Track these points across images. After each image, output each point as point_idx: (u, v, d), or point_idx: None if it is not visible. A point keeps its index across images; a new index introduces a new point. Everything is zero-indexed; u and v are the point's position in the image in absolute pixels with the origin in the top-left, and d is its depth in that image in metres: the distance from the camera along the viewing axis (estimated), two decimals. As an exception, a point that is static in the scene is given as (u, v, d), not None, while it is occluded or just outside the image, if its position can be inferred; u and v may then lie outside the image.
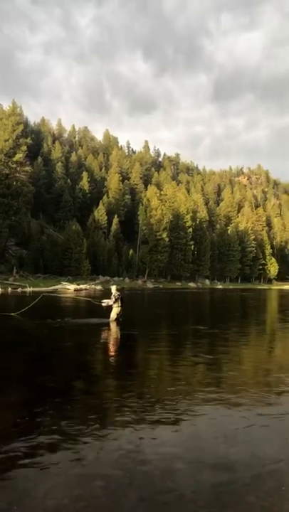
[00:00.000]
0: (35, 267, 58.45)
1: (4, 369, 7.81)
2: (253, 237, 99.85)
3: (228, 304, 34.49)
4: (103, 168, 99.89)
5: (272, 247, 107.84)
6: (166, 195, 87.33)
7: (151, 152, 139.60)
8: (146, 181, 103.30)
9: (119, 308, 14.45)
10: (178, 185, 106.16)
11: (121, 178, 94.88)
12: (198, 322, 19.12)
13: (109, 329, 13.26)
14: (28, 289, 40.16)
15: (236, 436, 4.81)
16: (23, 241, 61.73)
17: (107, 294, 17.27)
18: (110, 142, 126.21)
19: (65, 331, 13.02)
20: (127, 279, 69.35)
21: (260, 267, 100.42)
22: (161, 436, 4.74)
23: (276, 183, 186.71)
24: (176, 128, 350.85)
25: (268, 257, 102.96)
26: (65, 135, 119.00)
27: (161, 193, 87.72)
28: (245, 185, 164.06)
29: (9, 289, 40.51)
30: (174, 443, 4.58)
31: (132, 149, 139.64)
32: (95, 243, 71.22)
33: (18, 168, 54.92)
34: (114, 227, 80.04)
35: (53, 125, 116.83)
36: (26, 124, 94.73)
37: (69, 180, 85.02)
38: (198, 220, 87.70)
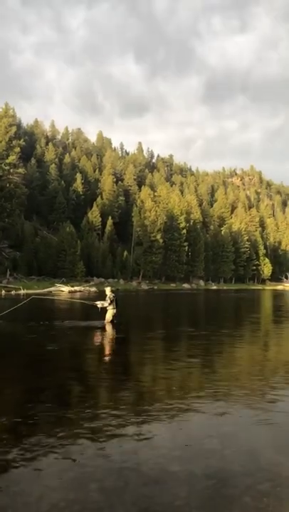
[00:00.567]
0: (28, 269, 58.18)
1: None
2: (247, 237, 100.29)
3: (223, 304, 34.60)
4: (97, 170, 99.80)
5: (265, 247, 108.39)
6: (160, 196, 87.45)
7: (145, 154, 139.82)
8: (140, 183, 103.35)
9: (114, 310, 14.43)
10: (171, 186, 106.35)
11: (115, 179, 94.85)
12: (193, 324, 19.16)
13: (104, 331, 13.24)
14: (22, 292, 39.95)
15: (231, 437, 4.83)
16: (17, 243, 61.41)
17: (101, 295, 17.25)
18: (104, 144, 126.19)
19: (58, 333, 12.97)
20: (121, 281, 69.29)
21: (254, 267, 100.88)
22: (156, 438, 4.74)
23: (269, 184, 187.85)
24: (169, 130, 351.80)
25: (261, 258, 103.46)
26: (59, 137, 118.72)
27: (155, 194, 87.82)
28: (239, 186, 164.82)
29: (3, 292, 40.28)
30: (169, 445, 4.58)
31: (126, 151, 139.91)
32: (89, 245, 71.09)
33: (11, 170, 54.67)
34: (108, 228, 79.97)
35: (46, 127, 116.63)
36: (19, 125, 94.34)
37: (63, 181, 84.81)
38: (192, 221, 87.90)
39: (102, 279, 65.64)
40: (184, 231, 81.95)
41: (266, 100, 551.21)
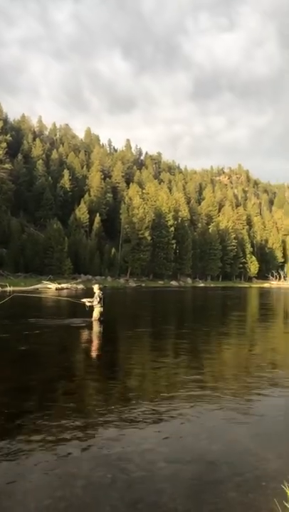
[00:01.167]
0: (15, 266, 57.56)
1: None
2: (234, 235, 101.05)
3: (210, 302, 34.85)
4: (84, 166, 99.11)
5: (252, 245, 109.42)
6: (148, 193, 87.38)
7: (133, 151, 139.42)
8: (128, 180, 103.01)
9: (102, 308, 14.41)
10: (160, 184, 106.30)
11: (103, 176, 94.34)
12: (180, 321, 19.27)
13: (91, 329, 13.21)
14: (9, 288, 39.51)
15: (218, 434, 4.89)
16: (3, 240, 60.65)
17: (89, 293, 17.19)
18: (92, 140, 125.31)
19: (35, 332, 12.88)
20: (109, 278, 69.13)
21: (241, 265, 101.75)
22: (143, 435, 4.76)
23: (256, 183, 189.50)
24: (157, 127, 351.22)
25: (248, 256, 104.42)
26: (46, 132, 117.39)
27: (143, 191, 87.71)
28: (226, 185, 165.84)
29: (-11, 289, 39.75)
30: (156, 441, 4.61)
31: (114, 147, 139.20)
32: (77, 242, 70.67)
33: (-3, 166, 53.88)
34: (96, 225, 79.60)
35: (34, 122, 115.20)
36: (6, 120, 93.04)
37: (50, 178, 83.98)
38: (180, 218, 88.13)
39: (90, 277, 65.37)
40: (172, 229, 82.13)
41: (253, 98, 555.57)
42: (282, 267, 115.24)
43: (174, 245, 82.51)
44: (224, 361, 9.49)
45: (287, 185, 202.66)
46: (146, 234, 75.21)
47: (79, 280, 58.60)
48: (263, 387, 6.88)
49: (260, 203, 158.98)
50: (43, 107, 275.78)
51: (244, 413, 5.59)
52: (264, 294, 52.04)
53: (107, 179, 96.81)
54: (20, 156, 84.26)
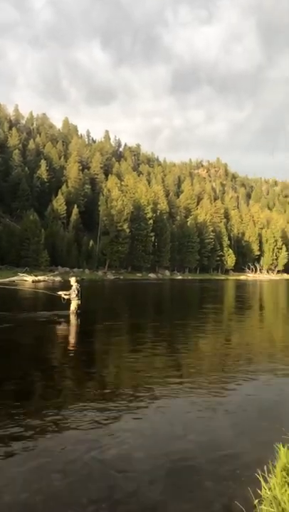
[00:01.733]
0: (-10, 258, 56.31)
1: None
2: (212, 228, 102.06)
3: (187, 294, 35.21)
4: (62, 157, 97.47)
5: (229, 238, 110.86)
6: (127, 185, 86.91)
7: (112, 142, 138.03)
8: (107, 171, 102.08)
9: (79, 301, 14.30)
10: (139, 176, 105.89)
11: (81, 167, 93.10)
12: (157, 314, 19.40)
13: (68, 322, 13.11)
14: (-16, 281, 38.64)
15: (193, 424, 4.96)
16: (-22, 231, 59.18)
17: (66, 285, 17.02)
18: (70, 131, 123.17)
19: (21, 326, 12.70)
20: (87, 271, 68.66)
21: (218, 258, 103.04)
22: (121, 427, 4.78)
23: (234, 177, 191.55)
24: (136, 119, 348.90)
25: (225, 249, 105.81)
26: (23, 121, 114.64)
27: (122, 183, 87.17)
28: (205, 178, 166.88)
29: None
30: (133, 433, 4.64)
31: (92, 138, 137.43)
32: (54, 233, 69.67)
33: (-29, 155, 52.26)
34: (73, 217, 78.67)
35: (10, 111, 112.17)
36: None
37: (26, 168, 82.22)
38: (158, 211, 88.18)
39: (67, 269, 64.72)
40: (151, 221, 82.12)
41: (232, 93, 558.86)
42: (258, 259, 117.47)
43: (153, 238, 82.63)
44: (200, 353, 9.62)
45: (264, 180, 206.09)
46: (125, 226, 74.95)
47: (56, 272, 57.93)
48: (238, 378, 7.02)
49: (237, 197, 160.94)
50: (19, 96, 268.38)
51: (220, 403, 5.70)
52: (240, 286, 52.99)
53: (86, 170, 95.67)
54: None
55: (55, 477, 3.60)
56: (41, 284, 40.48)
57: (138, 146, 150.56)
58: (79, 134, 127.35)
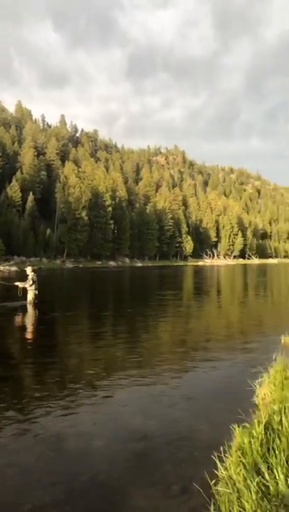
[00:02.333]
0: None
1: None
2: (171, 216, 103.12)
3: (147, 281, 35.48)
4: (16, 142, 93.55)
5: (188, 225, 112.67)
6: (84, 172, 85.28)
7: (68, 127, 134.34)
8: (64, 157, 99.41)
9: (36, 290, 13.94)
10: (96, 162, 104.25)
11: (36, 153, 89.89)
12: (117, 301, 19.39)
13: (25, 312, 12.75)
14: None
15: (152, 410, 5.00)
16: None
17: (23, 275, 16.50)
18: (23, 115, 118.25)
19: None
20: (44, 260, 67.12)
21: (177, 244, 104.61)
22: (79, 417, 4.73)
23: (192, 164, 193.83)
24: (92, 104, 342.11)
25: (184, 235, 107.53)
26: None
27: (80, 170, 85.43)
28: (163, 165, 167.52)
29: None
30: (92, 422, 4.60)
31: (48, 123, 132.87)
32: (9, 222, 67.18)
33: None
34: (29, 204, 76.13)
35: None
36: None
37: (-22, 153, 78.22)
38: (117, 198, 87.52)
39: (24, 258, 62.90)
40: (110, 208, 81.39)
41: (188, 79, 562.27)
42: (215, 245, 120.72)
43: (112, 225, 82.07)
44: (159, 340, 9.73)
45: (220, 167, 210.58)
46: (83, 214, 73.79)
47: (12, 262, 56.12)
48: (196, 363, 7.18)
49: (195, 184, 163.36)
50: None
51: (178, 388, 5.79)
52: (198, 271, 54.18)
53: (41, 156, 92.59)
54: None
55: (9, 472, 3.49)
56: (-3, 274, 39.07)
57: (95, 131, 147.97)
58: (33, 118, 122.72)
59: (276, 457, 2.73)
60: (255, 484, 2.48)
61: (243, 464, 2.87)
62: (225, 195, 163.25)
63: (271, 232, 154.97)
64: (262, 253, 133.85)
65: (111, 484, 3.30)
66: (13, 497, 3.13)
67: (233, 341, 9.12)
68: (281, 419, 3.29)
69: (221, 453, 3.36)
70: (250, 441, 3.13)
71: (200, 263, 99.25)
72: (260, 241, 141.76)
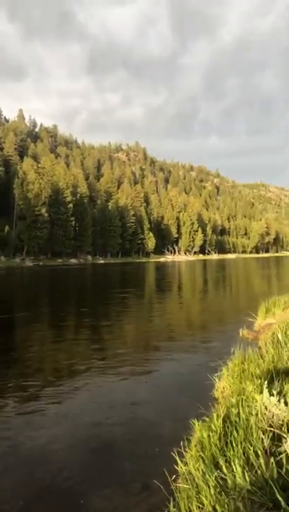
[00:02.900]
0: None
1: None
2: (133, 212, 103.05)
3: (108, 279, 35.29)
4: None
5: (150, 222, 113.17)
6: (44, 168, 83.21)
7: (27, 122, 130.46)
8: (22, 153, 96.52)
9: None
10: (56, 158, 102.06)
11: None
12: (78, 299, 19.14)
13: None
14: None
15: (114, 407, 4.96)
16: None
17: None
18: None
19: None
20: (2, 258, 64.96)
21: (140, 241, 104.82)
22: (40, 414, 4.61)
23: (153, 161, 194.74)
24: (51, 99, 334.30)
25: (146, 232, 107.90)
26: None
27: (39, 165, 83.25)
28: (124, 162, 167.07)
29: None
30: (53, 423, 4.49)
31: (5, 118, 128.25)
32: None
33: None
34: (-14, 201, 73.36)
35: None
36: None
37: None
38: (78, 195, 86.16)
39: (-19, 257, 60.54)
40: (71, 205, 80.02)
41: (147, 77, 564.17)
42: (176, 242, 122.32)
43: (73, 222, 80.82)
44: (121, 336, 9.70)
45: (181, 164, 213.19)
46: (43, 210, 72.07)
47: None
48: (158, 358, 7.21)
49: (156, 181, 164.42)
50: None
51: (140, 384, 5.79)
52: (160, 268, 54.63)
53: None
54: None
55: None
56: None
57: (55, 126, 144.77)
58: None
59: (233, 450, 2.77)
60: (213, 479, 2.50)
61: (202, 458, 2.90)
62: (185, 192, 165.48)
63: (229, 228, 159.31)
64: (221, 248, 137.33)
65: (69, 486, 3.23)
66: None
67: (194, 337, 9.26)
68: (239, 412, 3.35)
69: (181, 448, 3.37)
70: (208, 435, 3.16)
71: (162, 259, 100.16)
72: (219, 237, 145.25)
